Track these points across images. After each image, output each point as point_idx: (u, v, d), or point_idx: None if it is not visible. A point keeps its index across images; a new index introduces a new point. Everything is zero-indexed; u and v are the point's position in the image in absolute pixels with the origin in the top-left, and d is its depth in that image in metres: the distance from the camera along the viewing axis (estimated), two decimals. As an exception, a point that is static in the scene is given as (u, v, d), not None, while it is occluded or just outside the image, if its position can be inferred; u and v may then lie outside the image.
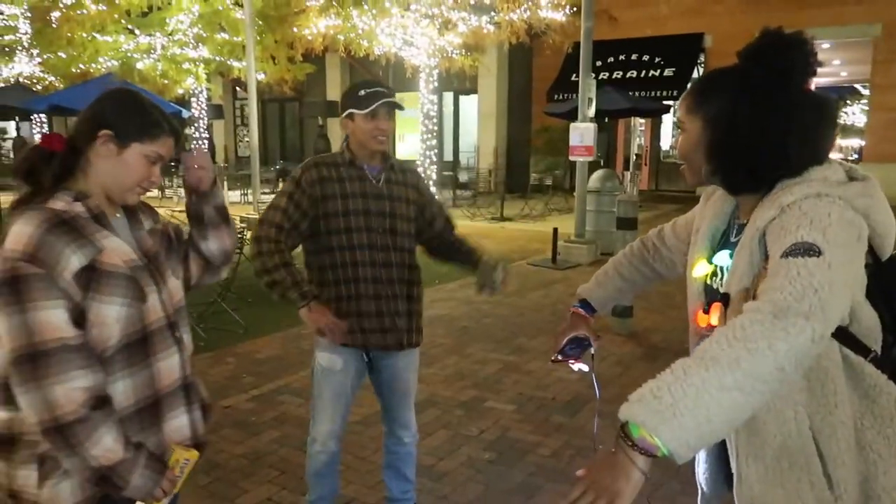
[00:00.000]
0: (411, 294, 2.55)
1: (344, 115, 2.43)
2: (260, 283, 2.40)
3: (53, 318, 1.35)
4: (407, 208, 2.53)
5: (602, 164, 12.12)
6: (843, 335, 1.27)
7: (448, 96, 18.66)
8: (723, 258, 1.44)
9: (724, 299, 1.35)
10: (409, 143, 18.81)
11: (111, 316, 1.43)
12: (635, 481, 1.06)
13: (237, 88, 21.76)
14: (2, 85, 15.78)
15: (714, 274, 1.46)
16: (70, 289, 1.38)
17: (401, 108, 2.45)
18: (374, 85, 2.42)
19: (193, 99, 14.67)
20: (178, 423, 1.60)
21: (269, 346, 5.27)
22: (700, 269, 1.50)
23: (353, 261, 2.42)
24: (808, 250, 1.16)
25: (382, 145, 2.43)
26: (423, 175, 2.74)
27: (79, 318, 1.40)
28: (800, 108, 1.30)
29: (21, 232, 1.38)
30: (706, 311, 1.43)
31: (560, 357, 1.80)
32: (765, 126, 1.31)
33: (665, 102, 15.32)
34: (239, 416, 3.96)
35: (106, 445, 1.39)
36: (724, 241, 1.48)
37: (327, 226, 2.41)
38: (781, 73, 1.30)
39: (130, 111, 1.53)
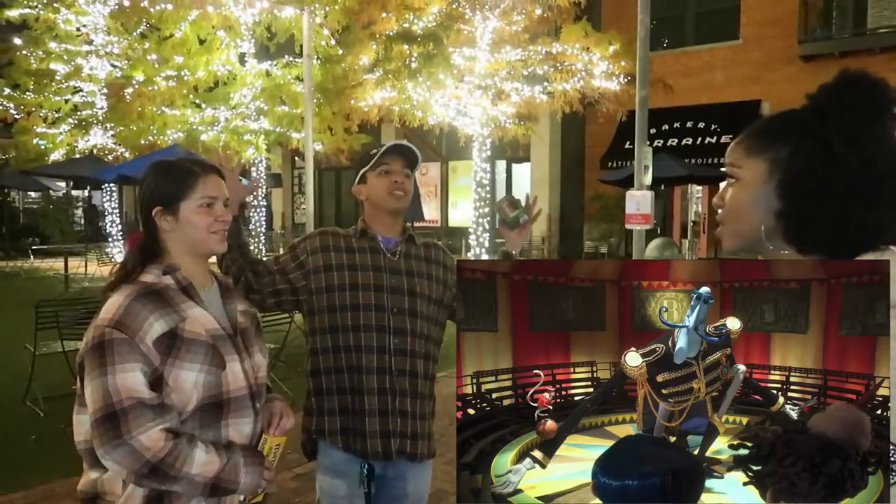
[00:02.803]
0: (428, 392, 2.13)
1: (357, 181, 2.15)
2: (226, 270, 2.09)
3: (130, 381, 1.43)
4: (430, 287, 2.13)
5: (658, 231, 11.85)
6: None
7: (501, 164, 18.79)
8: None
9: None
10: (462, 211, 18.91)
11: (189, 381, 1.50)
12: None
13: (296, 158, 22.48)
14: (77, 157, 16.67)
15: None
16: (150, 353, 1.46)
17: (416, 157, 2.13)
18: (388, 145, 2.14)
19: (253, 168, 15.14)
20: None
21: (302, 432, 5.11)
22: None
23: (357, 344, 2.03)
24: None
25: (400, 202, 2.09)
26: (447, 251, 2.35)
27: (156, 381, 1.47)
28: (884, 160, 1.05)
29: (112, 303, 1.50)
30: None
31: None
32: (864, 157, 1.03)
33: (723, 170, 15.00)
34: (281, 495, 3.78)
35: (201, 460, 1.47)
36: None
37: (330, 301, 2.05)
38: (870, 115, 1.06)
39: (164, 178, 1.62)
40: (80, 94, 16.46)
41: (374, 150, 2.13)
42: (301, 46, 11.53)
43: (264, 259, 2.17)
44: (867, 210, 1.03)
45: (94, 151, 16.76)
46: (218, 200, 1.64)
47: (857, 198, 1.03)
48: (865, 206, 1.03)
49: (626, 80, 10.94)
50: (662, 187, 13.37)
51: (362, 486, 2.05)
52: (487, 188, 12.32)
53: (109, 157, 16.59)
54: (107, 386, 1.43)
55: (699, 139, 15.68)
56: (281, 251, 12.46)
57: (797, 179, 1.07)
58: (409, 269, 2.12)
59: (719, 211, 1.18)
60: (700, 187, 16.73)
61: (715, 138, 15.50)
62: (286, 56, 14.19)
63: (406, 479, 2.12)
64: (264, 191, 15.56)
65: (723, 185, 1.20)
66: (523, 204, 2.18)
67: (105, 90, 16.29)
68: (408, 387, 2.06)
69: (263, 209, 15.37)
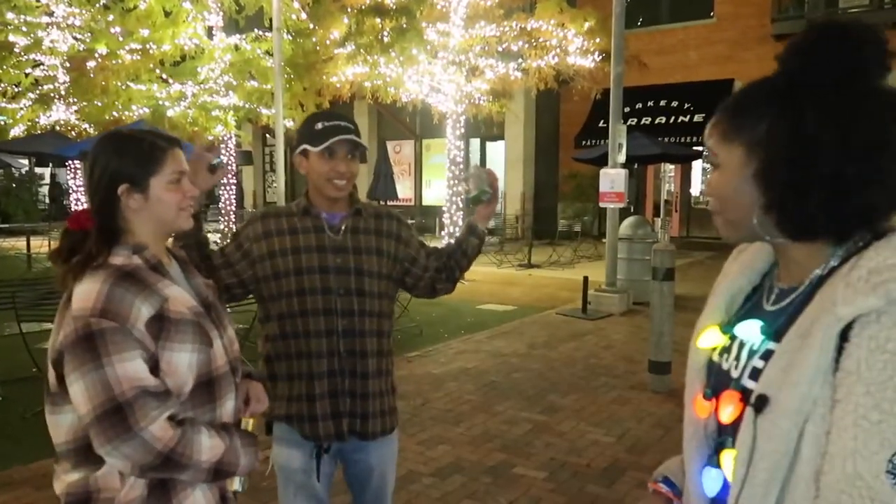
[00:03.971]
0: (381, 368, 2.07)
1: (297, 150, 2.01)
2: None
3: (131, 370, 1.36)
4: (379, 262, 2.05)
5: (632, 210, 11.87)
6: None
7: (475, 142, 18.68)
8: (749, 330, 1.03)
9: (759, 402, 0.93)
10: (436, 189, 18.78)
11: (184, 363, 1.44)
12: None
13: (266, 135, 22.08)
14: (39, 133, 16.17)
15: (726, 349, 1.07)
16: (144, 339, 1.39)
17: (363, 147, 2.02)
18: (335, 118, 1.99)
19: (223, 145, 14.81)
20: None
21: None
22: (708, 339, 1.11)
23: (305, 330, 1.98)
24: None
25: (340, 192, 1.99)
26: (403, 219, 2.24)
27: (153, 367, 1.41)
28: (892, 108, 0.91)
29: (88, 290, 1.38)
30: (708, 398, 1.06)
31: None
32: (844, 133, 0.91)
33: (695, 148, 15.10)
34: (251, 479, 3.68)
35: (207, 445, 1.43)
36: (749, 306, 1.10)
37: (278, 288, 1.98)
38: (852, 72, 0.92)
39: (128, 153, 1.50)
40: (41, 67, 15.90)
41: (320, 125, 1.97)
42: (270, 20, 11.23)
43: (213, 251, 2.05)
44: (855, 191, 0.91)
45: (57, 127, 16.25)
46: (185, 175, 1.54)
47: (841, 180, 0.91)
48: (853, 187, 0.91)
49: (600, 57, 10.86)
50: (636, 166, 13.38)
51: (318, 456, 2.04)
52: (461, 166, 12.21)
53: (73, 132, 16.12)
54: (106, 379, 1.33)
55: (672, 118, 15.73)
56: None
57: (773, 169, 0.95)
58: (357, 246, 2.03)
59: (710, 200, 1.07)
60: (672, 166, 16.82)
61: (688, 117, 15.55)
62: (255, 30, 13.82)
63: (368, 453, 2.10)
64: (234, 168, 15.24)
65: (708, 168, 1.09)
66: (485, 176, 2.11)
67: (67, 64, 15.76)
68: (357, 367, 2.02)
69: (234, 187, 15.07)
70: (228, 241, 2.10)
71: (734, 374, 1.03)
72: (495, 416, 4.74)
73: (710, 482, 1.04)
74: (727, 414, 1.00)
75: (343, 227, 2.03)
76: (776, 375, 0.93)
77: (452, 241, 2.24)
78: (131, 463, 1.36)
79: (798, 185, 0.93)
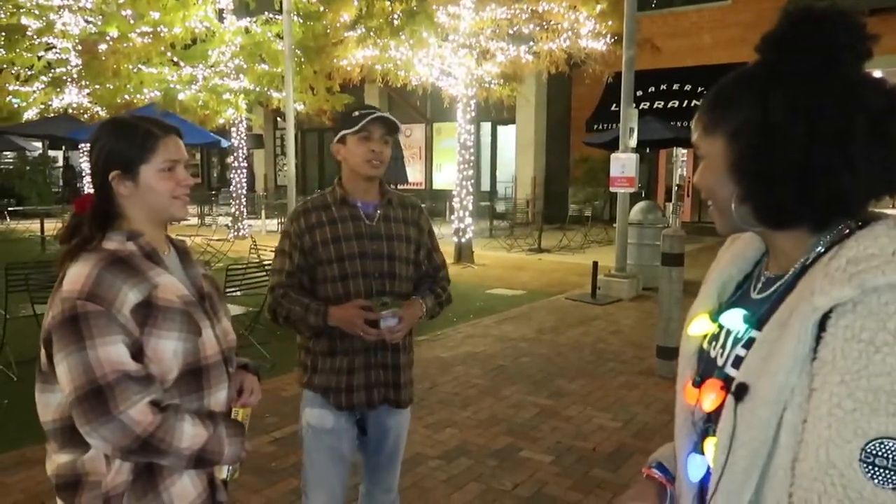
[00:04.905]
0: (408, 344, 2.31)
1: (336, 139, 2.19)
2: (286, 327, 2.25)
3: (113, 353, 1.37)
4: (407, 249, 2.26)
5: (643, 195, 11.81)
6: None
7: (486, 126, 18.58)
8: (733, 319, 1.04)
9: (739, 391, 0.93)
10: (446, 173, 18.73)
11: (169, 350, 1.44)
12: None
13: (277, 118, 22.06)
14: (52, 115, 16.23)
15: (714, 337, 1.08)
16: (128, 324, 1.40)
17: (397, 128, 2.20)
18: (369, 107, 2.20)
19: (234, 129, 14.79)
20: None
21: (296, 383, 5.06)
22: (699, 327, 1.13)
23: None
24: (894, 468, 0.78)
25: (377, 170, 2.16)
26: (426, 212, 2.43)
27: (137, 353, 1.41)
28: (860, 95, 0.90)
29: (78, 273, 1.41)
30: (697, 385, 1.06)
31: None
32: (812, 120, 0.90)
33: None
34: (259, 460, 3.74)
35: (189, 433, 1.44)
36: (738, 294, 1.11)
37: (323, 274, 2.18)
38: (824, 59, 0.92)
39: (120, 139, 1.52)
40: (54, 50, 15.94)
41: (357, 112, 2.15)
42: (281, 2, 11.18)
43: (290, 279, 2.21)
44: (824, 179, 0.90)
45: (70, 110, 16.32)
46: (179, 164, 1.55)
47: (809, 169, 0.90)
48: (821, 175, 0.90)
49: (612, 40, 10.73)
50: (647, 150, 13.29)
51: (350, 421, 2.24)
52: (472, 150, 12.16)
53: (85, 115, 16.18)
54: (88, 361, 1.35)
55: (685, 102, 15.56)
56: (263, 214, 12.22)
57: (744, 159, 0.95)
58: (389, 233, 2.22)
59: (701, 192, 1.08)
60: (685, 151, 16.66)
61: (701, 101, 15.39)
62: (266, 12, 13.76)
63: (388, 418, 2.30)
64: (245, 152, 15.24)
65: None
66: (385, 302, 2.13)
67: (79, 47, 15.79)
68: (390, 342, 2.19)
69: (245, 171, 15.08)
70: (282, 243, 2.25)
71: (719, 361, 1.04)
72: (502, 400, 4.76)
73: (695, 468, 1.06)
74: (709, 401, 1.01)
75: (377, 216, 2.23)
76: (756, 364, 0.93)
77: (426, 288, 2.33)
78: (110, 445, 1.38)
79: (767, 174, 0.93)
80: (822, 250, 0.95)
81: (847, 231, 0.94)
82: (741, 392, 0.93)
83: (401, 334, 2.14)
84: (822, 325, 0.87)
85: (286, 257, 2.22)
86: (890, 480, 0.79)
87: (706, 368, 1.07)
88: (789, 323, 0.90)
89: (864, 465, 0.80)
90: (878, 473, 0.79)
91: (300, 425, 2.31)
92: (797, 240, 0.99)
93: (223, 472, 1.60)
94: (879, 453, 0.79)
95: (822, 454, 0.84)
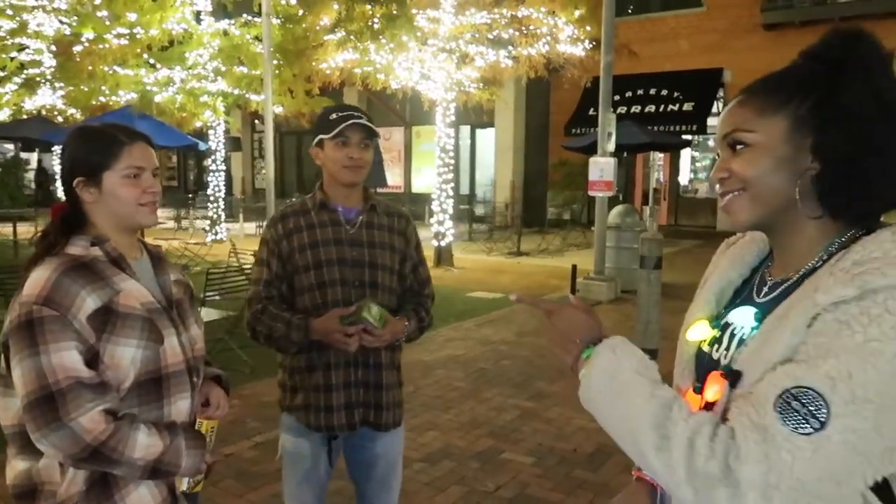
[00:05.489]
0: (392, 361, 2.16)
1: (314, 143, 2.09)
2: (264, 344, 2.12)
3: (66, 360, 1.35)
4: (391, 258, 2.13)
5: (621, 198, 11.92)
6: (881, 483, 0.90)
7: (465, 130, 18.63)
8: (744, 317, 1.06)
9: (734, 377, 0.98)
10: (426, 177, 18.76)
11: (126, 357, 1.43)
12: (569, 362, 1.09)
13: (255, 121, 21.91)
14: (25, 117, 15.96)
15: (716, 340, 1.10)
16: (84, 331, 1.38)
17: (375, 134, 2.08)
18: (348, 109, 2.09)
19: (211, 131, 14.65)
20: None
21: (277, 388, 5.05)
22: (697, 332, 1.15)
23: None
24: (804, 416, 0.84)
25: (356, 176, 2.05)
26: (413, 223, 2.31)
27: (92, 359, 1.40)
28: None
29: (38, 277, 1.40)
30: (698, 392, 1.07)
31: None
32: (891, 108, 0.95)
33: (684, 137, 15.16)
34: (240, 465, 3.73)
35: (143, 443, 1.41)
36: (740, 300, 1.13)
37: (300, 282, 2.07)
38: (886, 65, 0.97)
39: (85, 146, 1.52)
40: (27, 51, 15.69)
41: (334, 115, 2.05)
42: (260, 5, 11.14)
43: (268, 290, 2.11)
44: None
45: (43, 112, 16.07)
46: (146, 170, 1.53)
47: (888, 151, 0.95)
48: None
49: (591, 45, 10.85)
50: (625, 154, 13.42)
51: (325, 446, 2.13)
52: (451, 154, 12.20)
53: (59, 118, 15.95)
54: (41, 366, 1.34)
55: (662, 106, 15.76)
56: (241, 217, 12.07)
57: (843, 129, 0.95)
58: (371, 241, 2.10)
59: (717, 186, 1.07)
60: (661, 155, 16.86)
61: (677, 106, 15.60)
62: (244, 15, 13.68)
63: (375, 442, 2.16)
64: (223, 155, 15.11)
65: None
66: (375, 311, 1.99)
67: (53, 48, 15.57)
68: (371, 359, 2.08)
69: (222, 174, 14.96)
70: (260, 251, 2.15)
71: (723, 361, 1.07)
72: (484, 402, 4.79)
73: None
74: (712, 392, 1.04)
75: (358, 222, 2.11)
76: (751, 353, 0.98)
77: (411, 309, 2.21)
78: (61, 452, 1.36)
79: (866, 149, 0.95)
80: (833, 252, 1.00)
81: (856, 236, 0.99)
82: (735, 378, 0.98)
83: (378, 341, 1.97)
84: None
85: (264, 266, 2.11)
86: (793, 421, 0.85)
87: (708, 371, 1.08)
88: (787, 315, 0.95)
89: (781, 402, 0.86)
90: (787, 413, 0.85)
91: (277, 453, 2.23)
92: (813, 240, 1.03)
93: (183, 484, 1.57)
94: (798, 398, 0.85)
95: (758, 387, 0.91)
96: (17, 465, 1.47)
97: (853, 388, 0.84)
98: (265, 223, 2.19)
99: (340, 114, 2.05)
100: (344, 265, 2.06)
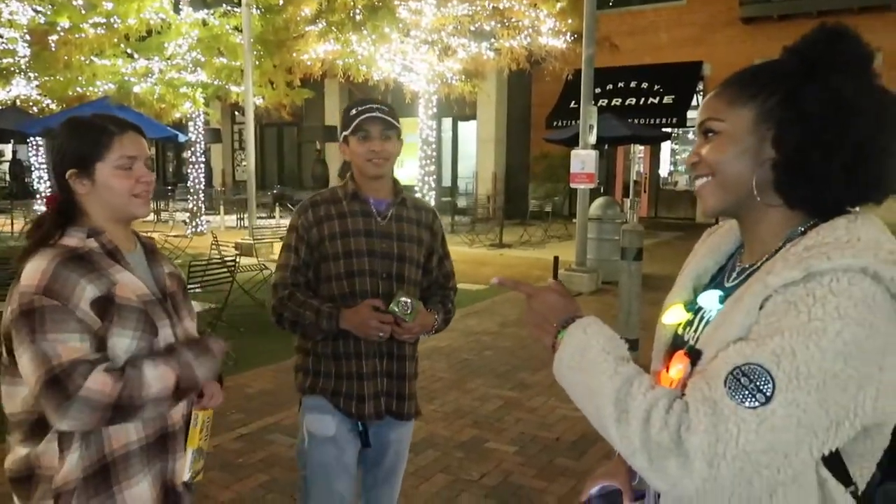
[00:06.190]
0: (414, 353, 2.21)
1: (340, 140, 2.14)
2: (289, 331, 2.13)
3: (68, 344, 1.36)
4: (418, 251, 2.17)
5: (602, 191, 12.02)
6: (832, 457, 0.96)
7: (447, 122, 18.63)
8: (710, 299, 1.12)
9: (695, 355, 1.04)
10: (407, 169, 18.74)
11: (121, 348, 1.43)
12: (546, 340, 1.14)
13: (236, 112, 21.71)
14: (-1, 108, 15.68)
15: (689, 323, 1.16)
16: (87, 318, 1.39)
17: (395, 125, 2.08)
18: (367, 102, 2.10)
19: (191, 123, 14.49)
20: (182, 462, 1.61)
21: (261, 379, 5.06)
22: (673, 316, 1.20)
23: None
24: (751, 391, 0.89)
25: (380, 168, 2.07)
26: (438, 215, 2.36)
27: (100, 345, 1.41)
28: (888, 105, 1.00)
29: (35, 268, 1.40)
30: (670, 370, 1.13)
31: None
32: (878, 104, 0.99)
33: (664, 130, 15.29)
34: (225, 456, 3.73)
35: (154, 377, 1.42)
36: (713, 285, 1.19)
37: (327, 271, 2.09)
38: (863, 65, 1.01)
39: (76, 138, 1.52)
40: (0, 40, 15.40)
41: (353, 111, 2.08)
42: (239, -5, 11.03)
43: (295, 276, 2.12)
44: (874, 160, 0.99)
45: (18, 103, 15.78)
46: (138, 160, 1.53)
47: (869, 147, 0.98)
48: (873, 155, 0.98)
49: (572, 38, 10.91)
50: (606, 147, 13.51)
51: (354, 431, 2.13)
52: (434, 146, 12.21)
53: (34, 108, 15.67)
54: (45, 352, 1.35)
55: (642, 99, 15.88)
56: (222, 209, 11.93)
57: (800, 125, 1.00)
58: (400, 234, 2.14)
59: (692, 171, 1.13)
60: (642, 147, 17.01)
61: (657, 99, 15.72)
62: (224, 5, 13.53)
63: (391, 431, 2.20)
64: (203, 146, 14.96)
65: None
66: (410, 304, 2.02)
67: (27, 37, 15.28)
68: (395, 350, 2.13)
69: (202, 166, 14.83)
70: (288, 237, 2.14)
71: (691, 341, 1.12)
72: (467, 393, 4.83)
73: None
74: (675, 370, 1.09)
75: (389, 214, 2.14)
76: (709, 333, 1.05)
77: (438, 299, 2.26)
78: (86, 424, 1.37)
79: (826, 143, 0.98)
80: (792, 238, 1.04)
81: (816, 224, 1.03)
82: (696, 356, 1.04)
83: (409, 333, 2.02)
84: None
85: (291, 252, 2.12)
86: (741, 396, 0.89)
87: (676, 349, 1.14)
88: (742, 298, 1.00)
89: (731, 378, 0.91)
90: (736, 388, 0.90)
91: (298, 437, 2.18)
92: (777, 227, 1.07)
93: (185, 474, 1.57)
94: (746, 374, 0.90)
95: (711, 364, 0.96)
96: (18, 452, 1.48)
97: (797, 365, 0.88)
98: (294, 211, 2.19)
99: (359, 108, 2.07)
100: (373, 256, 2.08)
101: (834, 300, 0.90)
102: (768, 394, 0.88)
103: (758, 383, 0.89)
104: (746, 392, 0.89)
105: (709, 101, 1.11)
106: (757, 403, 0.88)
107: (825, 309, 0.90)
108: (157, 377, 1.43)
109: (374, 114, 2.04)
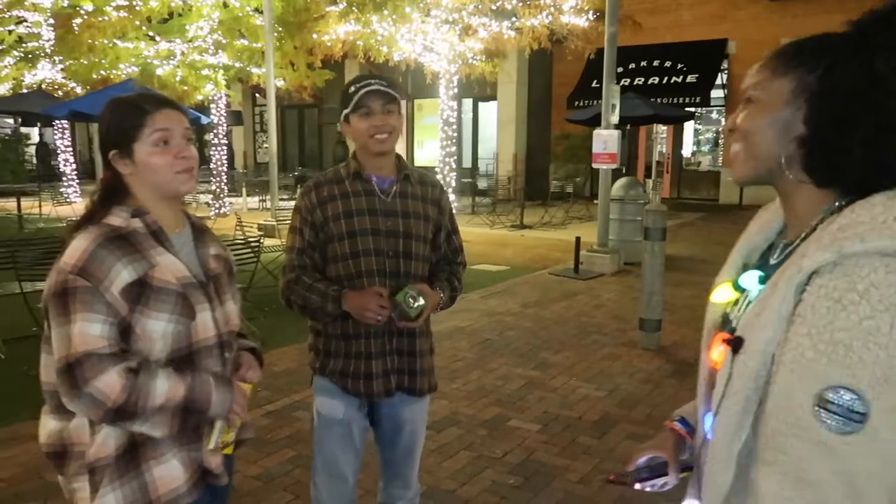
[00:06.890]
0: (425, 328, 2.18)
1: (342, 119, 2.09)
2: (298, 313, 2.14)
3: (89, 332, 1.38)
4: (425, 228, 2.13)
5: (624, 171, 11.94)
6: None
7: (467, 103, 18.55)
8: (750, 280, 1.09)
9: (736, 343, 1.02)
10: (429, 150, 18.71)
11: (157, 331, 1.45)
12: None
13: (257, 95, 21.79)
14: (25, 91, 15.89)
15: (736, 302, 1.14)
16: (116, 303, 1.41)
17: (395, 96, 2.04)
18: (364, 77, 2.05)
19: (213, 105, 14.58)
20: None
21: (287, 357, 5.14)
22: (721, 294, 1.18)
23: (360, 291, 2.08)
24: (845, 415, 0.86)
25: (384, 144, 2.04)
26: (444, 189, 2.34)
27: (124, 332, 1.43)
28: None
29: (77, 246, 1.43)
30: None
31: (623, 477, 1.36)
32: (891, 100, 0.95)
33: (688, 109, 15.09)
34: (254, 432, 3.81)
35: (162, 388, 1.43)
36: (761, 262, 1.15)
37: (333, 251, 2.08)
38: None
39: (115, 119, 1.54)
40: (25, 24, 15.58)
41: (352, 88, 2.04)
42: (260, -24, 11.02)
43: (301, 258, 2.12)
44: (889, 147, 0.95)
45: (43, 86, 16.00)
46: (173, 133, 1.51)
47: (888, 129, 0.95)
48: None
49: (594, 16, 10.78)
50: (628, 127, 13.38)
51: (362, 411, 2.15)
52: (454, 127, 12.18)
53: (59, 92, 15.87)
54: (69, 335, 1.38)
55: (665, 78, 15.66)
56: (244, 191, 12.02)
57: (829, 102, 0.98)
58: (405, 210, 2.11)
59: (728, 138, 1.11)
60: (664, 127, 16.82)
61: (681, 77, 15.49)
62: (244, -14, 13.55)
63: (404, 409, 2.19)
64: (225, 129, 15.07)
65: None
66: (418, 301, 2.02)
67: (51, 21, 15.44)
68: (405, 328, 2.10)
69: (224, 148, 14.94)
70: (294, 219, 2.15)
71: (734, 322, 1.11)
72: (490, 372, 4.87)
73: (710, 425, 1.12)
74: (717, 353, 1.08)
75: (393, 192, 2.11)
76: (750, 319, 1.02)
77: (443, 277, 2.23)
78: (92, 416, 1.42)
79: (851, 120, 0.96)
80: (827, 216, 1.01)
81: (852, 201, 0.99)
82: (737, 344, 1.02)
83: (412, 323, 2.02)
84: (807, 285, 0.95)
85: (297, 234, 2.12)
86: (837, 426, 0.87)
87: (723, 331, 1.12)
88: (778, 283, 0.98)
89: (819, 409, 0.88)
90: (829, 418, 0.87)
91: (312, 414, 2.24)
92: (814, 203, 1.04)
93: (211, 442, 1.55)
94: (833, 401, 0.87)
95: (784, 399, 0.93)
96: (48, 424, 1.52)
97: (872, 370, 0.86)
98: (299, 192, 2.17)
99: (358, 84, 2.03)
100: (378, 235, 2.06)
101: (877, 293, 0.88)
102: (862, 410, 0.86)
103: (846, 405, 0.87)
104: (840, 418, 0.87)
105: (755, 70, 1.09)
106: (858, 425, 0.86)
107: (871, 304, 0.88)
108: (166, 388, 1.43)
109: (373, 87, 2.00)
